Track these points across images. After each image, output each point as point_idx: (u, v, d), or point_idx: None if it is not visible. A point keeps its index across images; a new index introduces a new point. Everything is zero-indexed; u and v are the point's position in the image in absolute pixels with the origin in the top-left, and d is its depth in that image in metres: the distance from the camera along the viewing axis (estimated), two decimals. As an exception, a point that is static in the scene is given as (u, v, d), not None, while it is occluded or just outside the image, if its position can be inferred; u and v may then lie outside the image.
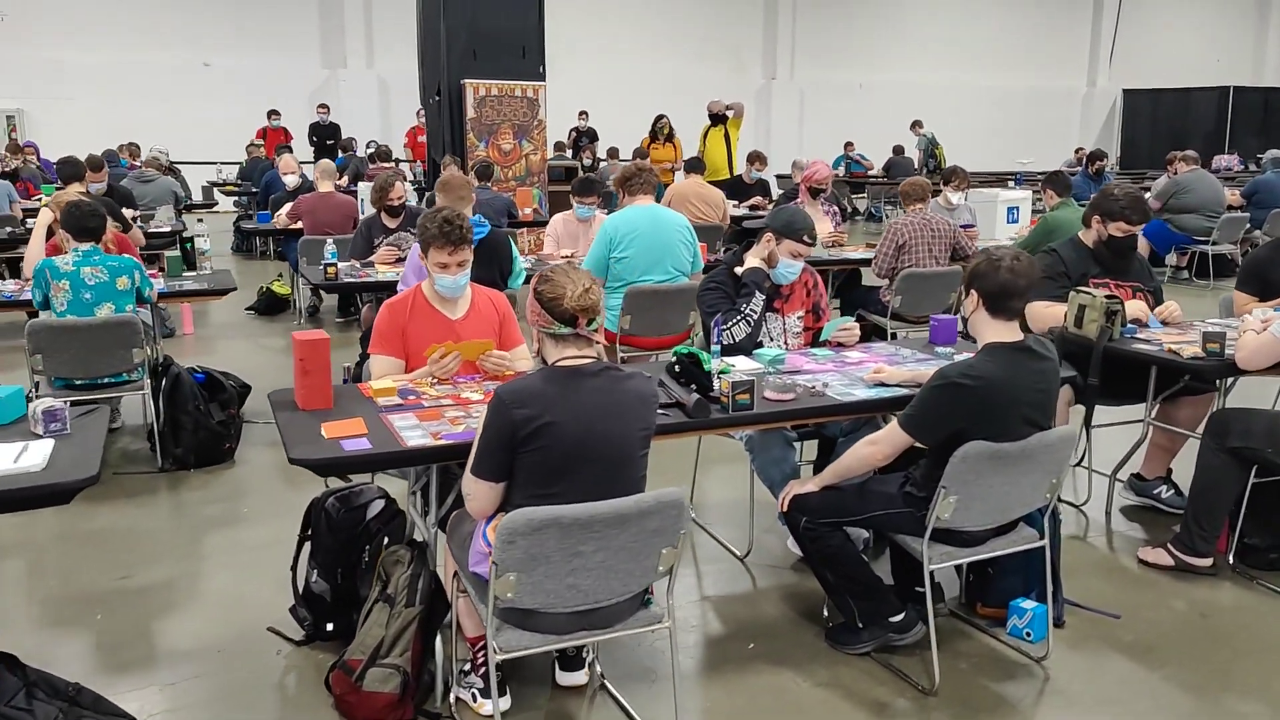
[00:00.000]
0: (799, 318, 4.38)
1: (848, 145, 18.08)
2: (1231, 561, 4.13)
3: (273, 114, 15.94)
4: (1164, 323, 4.66)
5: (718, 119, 12.29)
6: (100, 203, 7.87)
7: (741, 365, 3.93)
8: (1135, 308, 4.63)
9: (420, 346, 3.76)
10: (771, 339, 4.32)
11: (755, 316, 4.15)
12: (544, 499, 2.64)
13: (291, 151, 12.40)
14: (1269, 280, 5.13)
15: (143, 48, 17.76)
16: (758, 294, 4.17)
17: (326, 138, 16.25)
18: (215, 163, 15.17)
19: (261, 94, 17.08)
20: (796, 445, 4.14)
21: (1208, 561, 4.08)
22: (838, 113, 21.51)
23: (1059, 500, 4.65)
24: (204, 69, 18.02)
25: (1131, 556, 4.25)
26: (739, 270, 4.26)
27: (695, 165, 9.41)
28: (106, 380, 5.14)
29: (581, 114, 16.67)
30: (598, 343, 2.86)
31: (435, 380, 3.68)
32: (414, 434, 3.06)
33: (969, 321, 3.32)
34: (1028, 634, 3.55)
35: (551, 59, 19.62)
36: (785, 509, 3.45)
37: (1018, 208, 11.01)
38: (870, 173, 17.45)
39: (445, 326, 3.87)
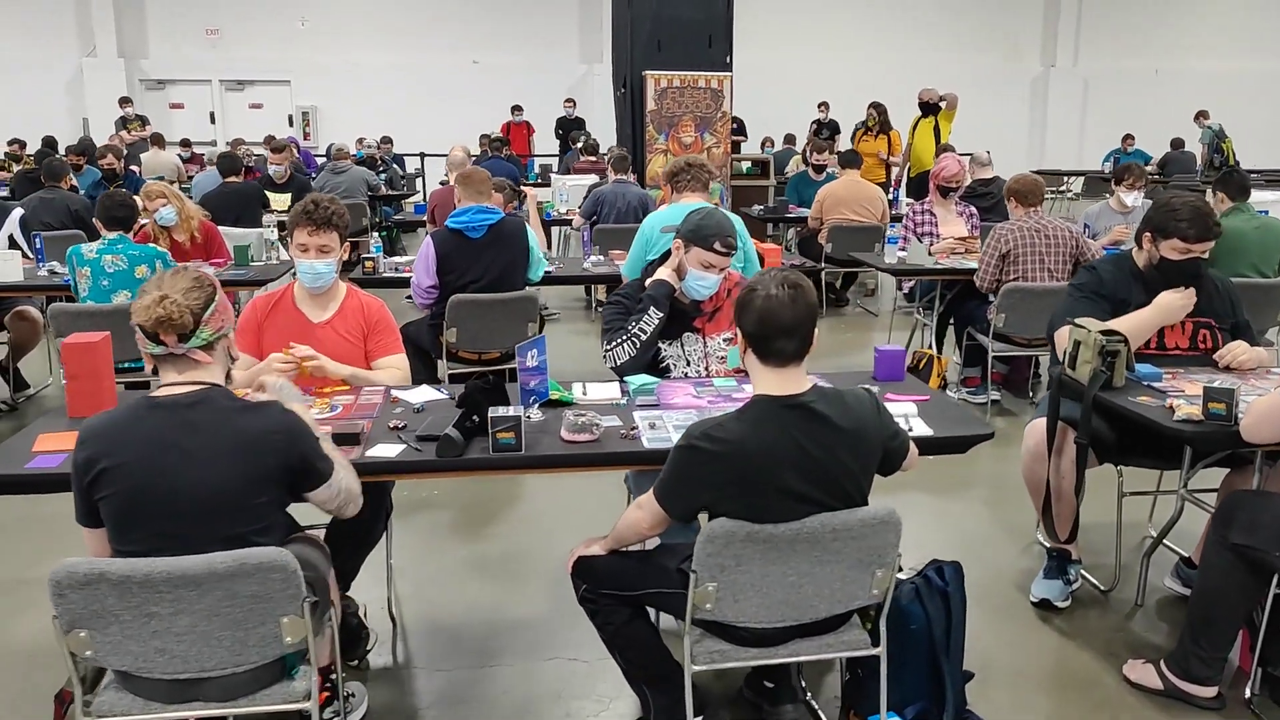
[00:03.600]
0: (726, 339, 3.72)
1: (1126, 139, 16.04)
2: (1249, 695, 3.08)
3: (516, 109, 16.34)
4: (1226, 368, 3.59)
5: (929, 109, 11.21)
6: (247, 188, 8.34)
7: (596, 394, 3.37)
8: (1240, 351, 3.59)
9: (275, 348, 3.50)
10: (689, 363, 3.70)
11: (644, 337, 3.55)
12: (121, 552, 2.31)
13: (504, 140, 12.55)
14: None
15: (421, 48, 18.85)
16: (653, 311, 3.57)
17: (570, 131, 16.47)
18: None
19: (522, 90, 17.62)
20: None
21: (1209, 692, 3.06)
22: (1126, 104, 19.19)
23: (1084, 577, 3.78)
24: (473, 66, 18.83)
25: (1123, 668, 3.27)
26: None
27: (850, 160, 8.56)
28: (126, 365, 5.28)
29: (821, 105, 15.84)
30: (209, 363, 2.43)
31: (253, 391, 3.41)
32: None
33: (746, 367, 2.62)
34: (886, 761, 2.79)
35: (793, 49, 19.03)
36: (570, 570, 2.89)
37: (1266, 210, 9.16)
38: (1148, 169, 15.33)
39: (303, 329, 3.61)
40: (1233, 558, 2.96)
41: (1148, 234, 3.71)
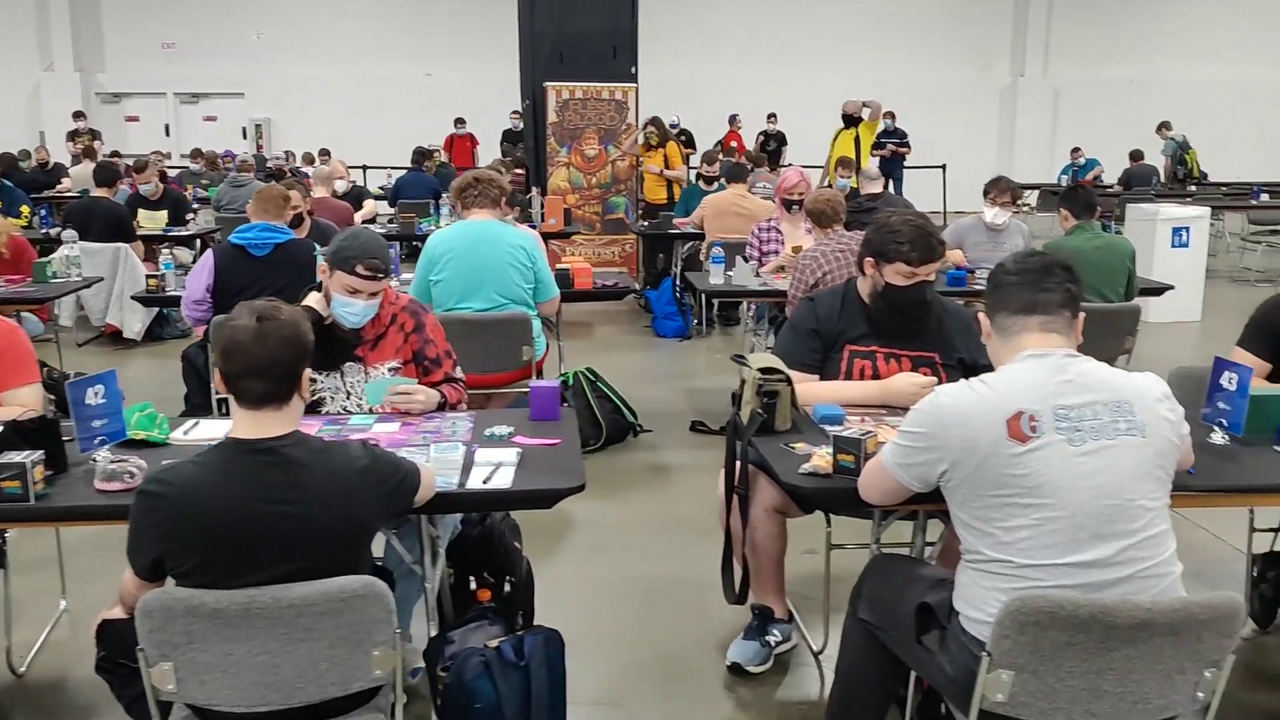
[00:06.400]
0: (392, 369, 3.38)
1: (1074, 151, 15.54)
2: (902, 786, 2.70)
3: (459, 122, 16.06)
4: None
5: (851, 121, 10.86)
6: (109, 204, 8.10)
7: (205, 432, 3.04)
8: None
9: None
10: (350, 395, 3.37)
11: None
12: None
13: (427, 154, 12.24)
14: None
15: (375, 61, 18.64)
16: (290, 340, 3.23)
17: (515, 143, 16.19)
18: (383, 167, 15.56)
19: (474, 102, 17.31)
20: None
21: (850, 781, 2.68)
22: (1099, 114, 18.63)
23: (803, 637, 3.43)
24: (426, 79, 18.61)
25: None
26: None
27: (735, 173, 8.19)
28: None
29: (770, 117, 15.48)
30: None
31: None
32: None
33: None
34: None
35: (754, 63, 18.60)
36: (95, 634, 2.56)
37: (1187, 228, 8.75)
38: (1100, 181, 14.83)
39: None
40: (865, 631, 2.59)
41: (869, 259, 3.35)
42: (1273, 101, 19.62)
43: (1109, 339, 5.35)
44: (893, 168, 15.81)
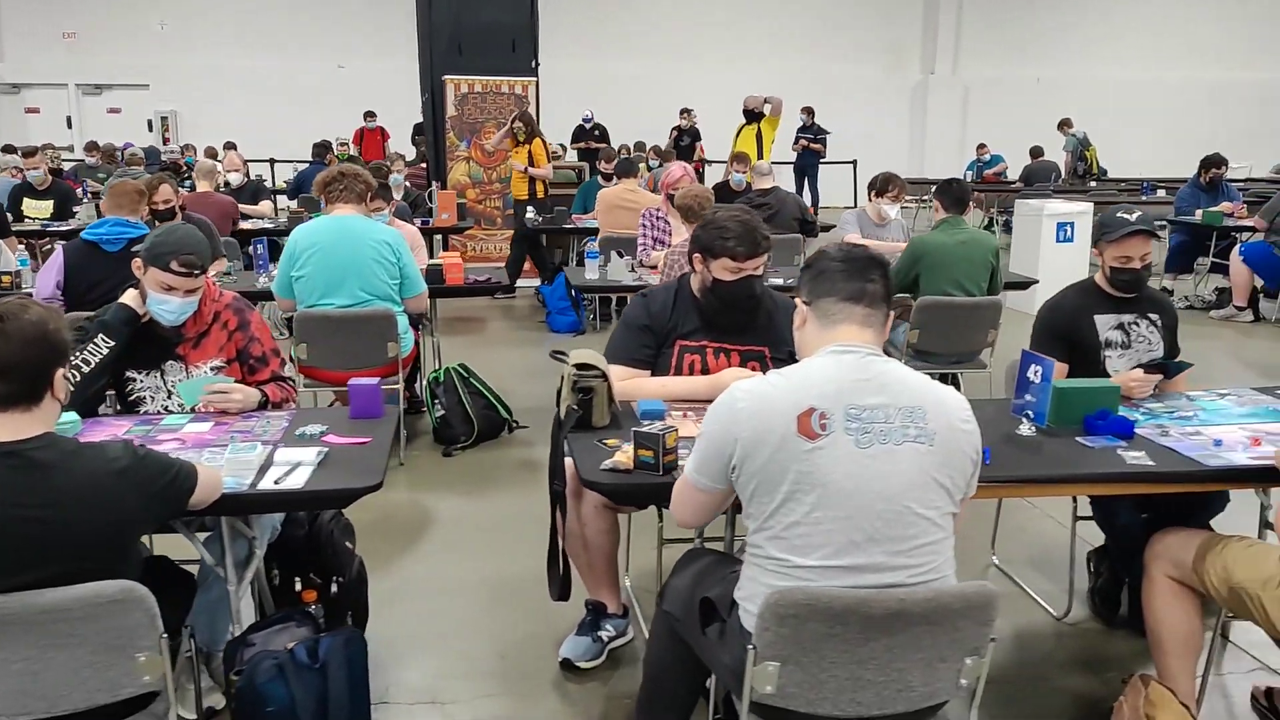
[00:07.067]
0: (215, 367, 3.31)
1: (980, 147, 15.81)
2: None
3: (369, 115, 15.86)
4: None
5: (753, 116, 10.92)
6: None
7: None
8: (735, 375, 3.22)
9: None
10: (170, 394, 3.30)
11: (87, 369, 3.15)
12: None
13: (327, 147, 12.09)
14: (1078, 340, 3.57)
15: (285, 53, 18.32)
16: (101, 339, 3.17)
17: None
18: (291, 161, 15.30)
19: (385, 95, 17.10)
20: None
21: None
22: (1007, 112, 18.98)
23: (643, 630, 3.42)
24: (338, 71, 18.34)
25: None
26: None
27: (626, 169, 8.20)
28: None
29: (684, 112, 15.51)
30: None
31: None
32: None
33: None
34: None
35: (666, 59, 18.65)
36: None
37: (1071, 224, 8.93)
38: (1003, 176, 15.11)
39: None
40: (668, 624, 2.60)
41: (698, 255, 3.35)
42: (1173, 100, 20.13)
43: (971, 332, 5.46)
44: (807, 163, 15.98)
